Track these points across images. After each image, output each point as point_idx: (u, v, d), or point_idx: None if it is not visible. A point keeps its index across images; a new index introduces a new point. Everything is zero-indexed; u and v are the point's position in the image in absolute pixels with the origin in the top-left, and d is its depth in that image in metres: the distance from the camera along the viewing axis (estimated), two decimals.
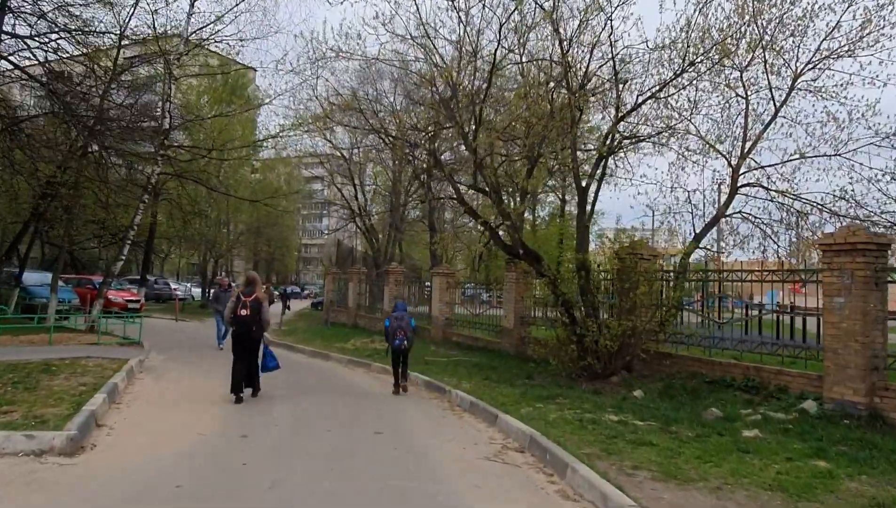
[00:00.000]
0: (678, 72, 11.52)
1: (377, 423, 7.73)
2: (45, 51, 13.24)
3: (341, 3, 15.82)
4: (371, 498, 4.96)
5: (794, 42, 11.78)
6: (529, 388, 10.17)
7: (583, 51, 11.89)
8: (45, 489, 4.78)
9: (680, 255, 12.44)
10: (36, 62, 15.31)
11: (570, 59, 11.48)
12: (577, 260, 11.57)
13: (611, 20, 10.80)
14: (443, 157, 17.28)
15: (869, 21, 10.90)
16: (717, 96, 12.68)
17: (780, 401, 8.98)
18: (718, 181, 13.63)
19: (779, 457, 6.12)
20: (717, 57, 11.73)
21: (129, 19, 17.88)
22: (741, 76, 12.24)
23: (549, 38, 11.35)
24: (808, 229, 11.83)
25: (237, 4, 17.46)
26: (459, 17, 11.46)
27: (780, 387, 9.36)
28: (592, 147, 12.98)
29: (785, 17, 11.60)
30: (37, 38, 12.66)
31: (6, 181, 16.56)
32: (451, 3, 11.37)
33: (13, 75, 14.84)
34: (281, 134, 18.85)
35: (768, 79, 12.05)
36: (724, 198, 12.80)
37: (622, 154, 13.06)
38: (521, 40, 11.11)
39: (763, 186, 12.33)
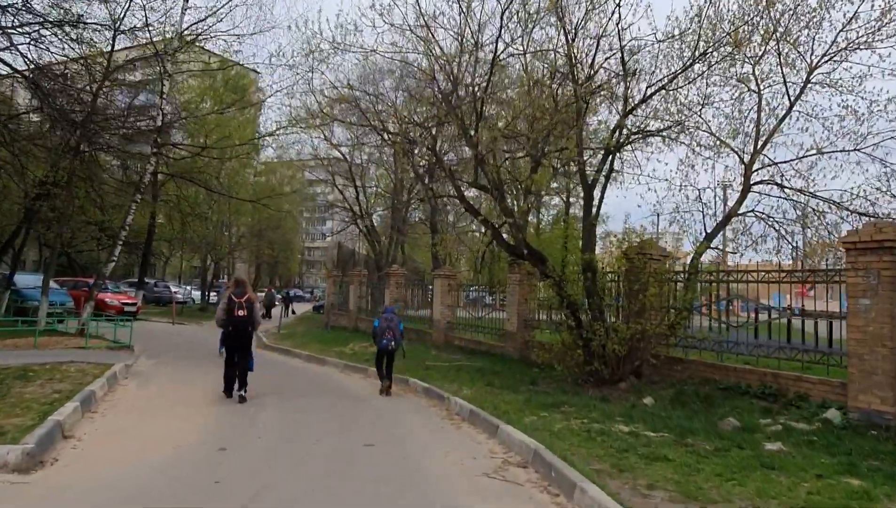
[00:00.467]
0: (688, 62, 11.00)
1: (369, 433, 7.19)
2: (29, 43, 12.72)
3: None
4: None
5: (809, 34, 11.29)
6: (533, 395, 9.63)
7: (589, 42, 11.42)
8: None
9: (689, 257, 11.92)
10: (28, 59, 14.90)
11: (575, 50, 10.97)
12: (583, 261, 11.04)
13: (619, 7, 10.27)
14: (444, 158, 16.78)
15: (889, 10, 10.38)
16: (729, 90, 12.21)
17: (801, 410, 8.44)
18: (730, 179, 13.10)
19: (807, 474, 5.57)
20: (729, 48, 11.23)
21: (124, 15, 17.48)
22: (753, 69, 11.74)
23: (554, 27, 10.84)
24: (825, 227, 11.29)
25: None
26: (460, 6, 10.96)
27: (800, 395, 8.81)
28: (599, 145, 12.40)
29: (798, 8, 11.10)
30: (19, 29, 12.13)
31: None
32: None
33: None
34: (278, 132, 18.33)
35: (782, 72, 11.54)
36: (736, 196, 12.26)
37: (630, 150, 12.55)
38: (526, 29, 10.59)
39: (778, 184, 11.79)
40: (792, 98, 11.36)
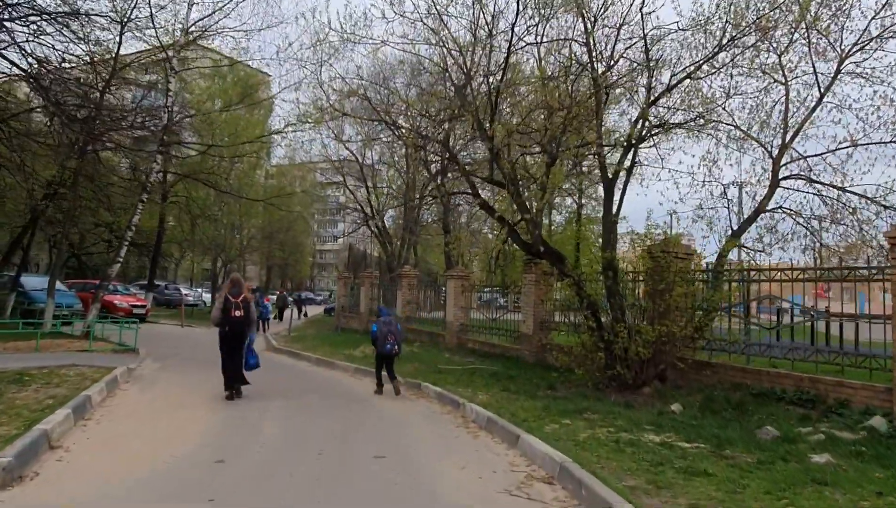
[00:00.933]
0: (715, 50, 10.44)
1: (379, 443, 6.69)
2: (29, 40, 12.36)
3: None
4: None
5: (839, 22, 10.71)
6: (553, 400, 9.11)
7: (608, 31, 10.90)
8: None
9: (706, 256, 11.38)
10: (33, 57, 14.58)
11: (594, 39, 10.46)
12: (603, 259, 10.50)
13: None
14: (457, 155, 16.26)
15: None
16: (755, 81, 11.66)
17: (843, 417, 7.86)
18: (757, 174, 12.51)
19: (864, 491, 5.01)
20: (755, 36, 10.68)
21: (131, 11, 17.17)
22: (780, 59, 11.18)
23: (573, 14, 10.30)
24: (857, 224, 10.68)
25: None
26: None
27: (841, 401, 8.23)
28: (620, 137, 11.83)
29: None
30: (19, 22, 11.77)
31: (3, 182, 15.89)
32: None
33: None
34: (287, 129, 17.92)
35: (812, 61, 10.98)
36: (760, 192, 11.67)
37: (651, 144, 11.99)
38: (542, 15, 10.06)
39: (808, 179, 11.20)
40: (822, 89, 10.79)
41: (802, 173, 11.33)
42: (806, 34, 10.83)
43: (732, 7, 10.42)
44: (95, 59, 15.44)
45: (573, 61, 11.17)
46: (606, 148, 11.46)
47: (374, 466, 5.77)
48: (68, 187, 16.39)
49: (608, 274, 10.28)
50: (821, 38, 10.82)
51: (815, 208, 11.07)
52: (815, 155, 11.15)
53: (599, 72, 10.48)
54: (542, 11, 10.09)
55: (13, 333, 13.74)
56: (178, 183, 27.20)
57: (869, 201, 10.33)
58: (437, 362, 13.55)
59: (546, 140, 10.93)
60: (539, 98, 11.52)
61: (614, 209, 10.88)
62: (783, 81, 11.30)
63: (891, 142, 10.38)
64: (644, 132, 10.76)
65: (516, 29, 10.48)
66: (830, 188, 10.78)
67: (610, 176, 10.76)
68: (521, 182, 11.35)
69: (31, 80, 12.21)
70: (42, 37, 14.09)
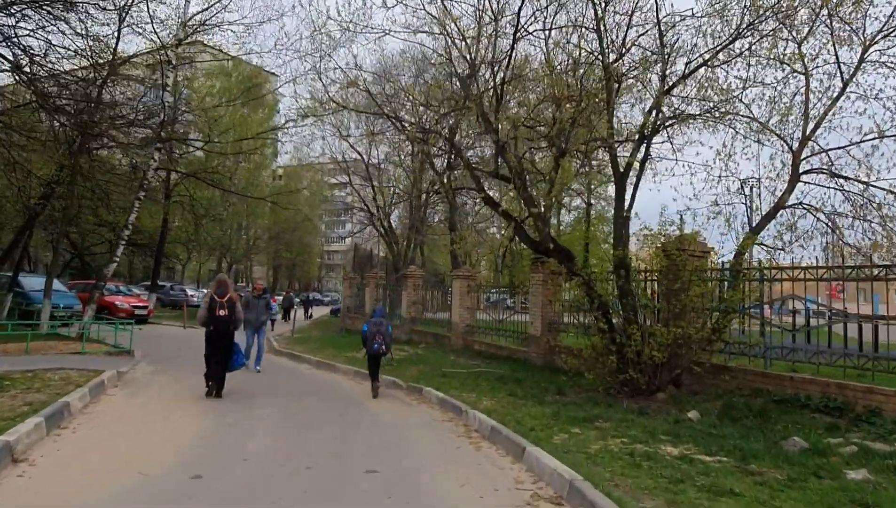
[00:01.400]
0: (733, 36, 9.89)
1: (374, 455, 6.19)
2: (14, 33, 11.93)
3: None
4: None
5: (862, 9, 10.14)
6: (562, 406, 8.58)
7: (620, 18, 10.38)
8: None
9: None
10: (28, 52, 14.20)
11: (605, 24, 9.93)
12: (615, 257, 9.96)
13: None
14: (463, 152, 15.74)
15: None
16: (773, 71, 11.10)
17: (874, 427, 7.31)
18: (776, 168, 11.94)
19: None
20: (774, 21, 10.13)
21: (130, 6, 16.79)
22: (799, 48, 10.61)
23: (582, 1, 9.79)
24: (885, 220, 10.09)
25: None
26: None
27: (871, 409, 7.67)
28: (633, 128, 11.29)
29: None
30: (4, 11, 11.33)
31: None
32: None
33: None
34: (288, 125, 17.46)
35: (835, 49, 10.41)
36: (782, 187, 11.09)
37: (664, 138, 11.44)
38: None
39: (830, 173, 10.62)
40: (845, 78, 10.21)
41: (824, 167, 10.77)
42: (828, 21, 10.29)
43: None
44: (93, 53, 15.07)
45: (582, 49, 10.66)
46: (618, 142, 10.93)
47: (364, 483, 5.27)
48: (65, 185, 16.02)
49: (620, 273, 9.74)
50: (843, 26, 10.29)
51: (837, 205, 10.52)
52: (838, 148, 10.56)
53: (610, 60, 9.95)
54: None
55: (4, 335, 13.34)
56: (181, 183, 26.86)
57: (893, 196, 9.75)
58: (441, 364, 13.06)
59: (555, 133, 10.40)
60: (547, 89, 11.02)
61: (626, 205, 10.32)
62: (803, 70, 10.73)
63: None
64: (658, 124, 10.20)
65: (523, 15, 9.99)
66: (854, 183, 10.22)
67: (622, 170, 10.21)
68: (528, 177, 10.81)
69: (16, 70, 11.76)
70: (38, 31, 13.78)
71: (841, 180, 10.43)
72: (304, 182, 45.62)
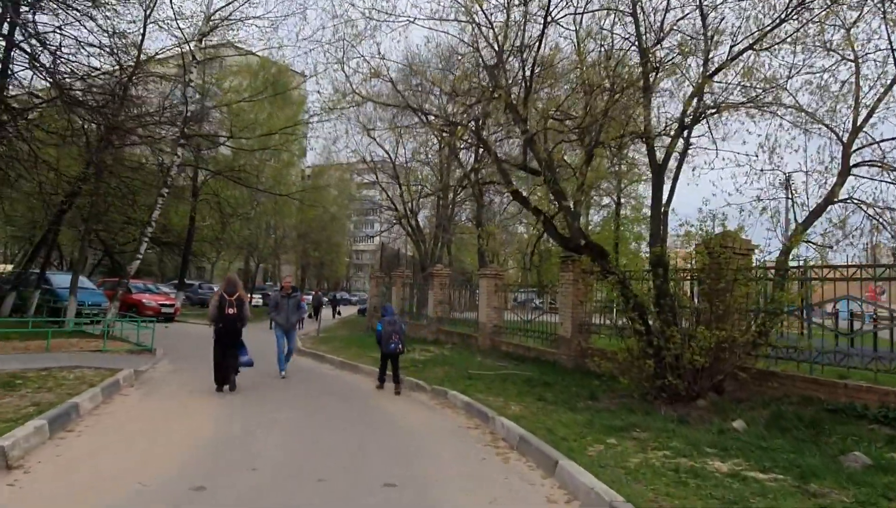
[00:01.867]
0: (781, 16, 9.21)
1: (393, 466, 5.73)
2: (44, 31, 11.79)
3: None
4: None
5: None
6: (595, 413, 8.04)
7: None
8: None
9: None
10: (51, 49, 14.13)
11: (642, 6, 9.34)
12: (652, 255, 9.36)
13: None
14: (491, 146, 15.22)
15: None
16: (820, 60, 10.41)
17: None
18: (825, 161, 11.20)
19: None
20: (823, 4, 9.44)
21: (156, 3, 16.70)
22: (848, 33, 9.91)
23: None
24: None
25: None
26: None
27: None
28: (671, 118, 10.65)
29: None
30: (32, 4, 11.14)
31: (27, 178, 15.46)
32: None
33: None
34: (311, 120, 17.16)
35: (887, 34, 9.70)
36: (832, 180, 10.36)
37: (703, 133, 10.80)
38: None
39: (883, 165, 9.90)
40: None
41: (876, 160, 10.06)
42: (880, 4, 9.58)
43: None
44: (117, 49, 14.97)
45: (616, 35, 10.07)
46: (656, 135, 10.31)
47: (379, 498, 4.80)
48: (91, 182, 15.96)
49: (657, 272, 9.12)
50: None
51: (891, 200, 9.81)
52: (892, 138, 9.85)
53: (649, 45, 9.35)
54: None
55: (25, 332, 13.25)
56: (208, 181, 26.85)
57: None
58: (468, 366, 12.57)
59: (587, 123, 9.83)
60: (578, 80, 10.46)
61: (664, 199, 9.69)
62: (853, 57, 10.03)
63: None
64: (699, 112, 9.56)
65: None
66: None
67: (659, 162, 9.60)
68: (559, 168, 10.26)
69: (33, 61, 11.60)
70: (65, 28, 13.68)
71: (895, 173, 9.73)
72: (333, 181, 45.49)
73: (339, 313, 35.05)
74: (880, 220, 9.82)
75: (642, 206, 32.83)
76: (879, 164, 10.00)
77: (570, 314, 12.87)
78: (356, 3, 19.39)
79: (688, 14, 9.79)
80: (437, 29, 10.51)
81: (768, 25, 9.46)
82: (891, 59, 9.78)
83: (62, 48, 13.25)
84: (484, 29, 10.45)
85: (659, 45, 9.60)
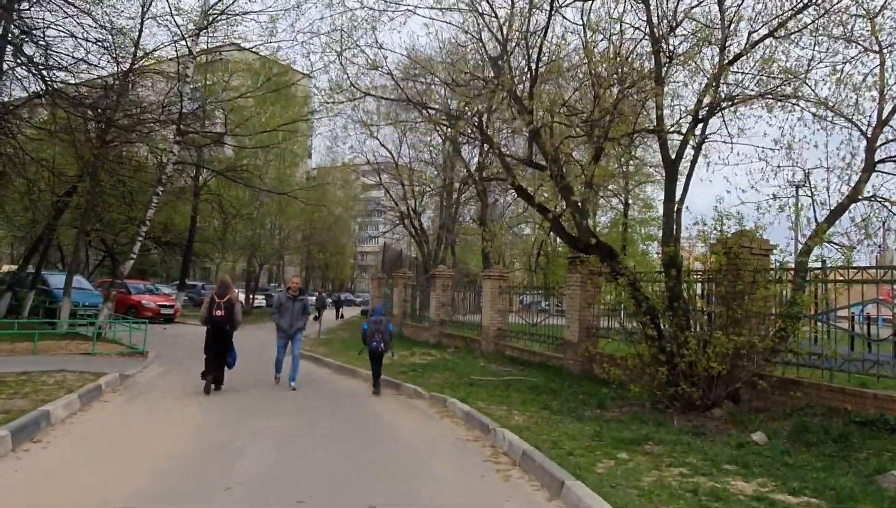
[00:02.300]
0: (799, 4, 8.68)
1: (384, 484, 5.22)
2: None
3: None
4: None
5: None
6: (604, 424, 7.52)
7: None
8: None
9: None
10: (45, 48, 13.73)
11: None
12: (665, 255, 8.83)
13: None
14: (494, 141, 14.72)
15: None
16: (842, 51, 9.85)
17: None
18: (846, 157, 10.65)
19: None
20: None
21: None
22: (872, 24, 9.35)
23: None
24: None
25: None
26: None
27: None
28: (685, 110, 10.12)
29: None
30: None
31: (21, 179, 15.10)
32: None
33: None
34: (308, 116, 16.71)
35: None
36: (854, 177, 9.80)
37: (718, 128, 10.26)
38: None
39: None
40: None
41: None
42: None
43: None
44: (116, 48, 14.59)
45: (625, 24, 9.54)
46: (669, 131, 9.77)
47: None
48: (87, 181, 15.59)
49: (670, 273, 8.59)
50: None
51: None
52: None
53: (661, 34, 8.83)
54: None
55: (10, 334, 12.82)
56: (209, 181, 26.46)
57: None
58: (470, 371, 12.07)
59: (596, 116, 9.31)
60: (585, 71, 9.93)
61: (678, 196, 9.15)
62: (877, 48, 9.48)
63: None
64: (715, 104, 9.02)
65: None
66: None
67: (672, 156, 9.08)
68: (565, 165, 9.75)
69: (18, 53, 11.17)
70: (61, 22, 13.28)
71: None
72: (337, 182, 45.07)
73: (343, 316, 34.65)
74: None
75: (651, 207, 32.33)
76: None
77: (577, 318, 12.35)
78: None
79: (703, 1, 9.29)
80: (439, 19, 10.04)
81: (788, 11, 8.95)
82: None
83: (51, 46, 12.94)
84: (487, 18, 10.00)
85: (672, 34, 9.07)
